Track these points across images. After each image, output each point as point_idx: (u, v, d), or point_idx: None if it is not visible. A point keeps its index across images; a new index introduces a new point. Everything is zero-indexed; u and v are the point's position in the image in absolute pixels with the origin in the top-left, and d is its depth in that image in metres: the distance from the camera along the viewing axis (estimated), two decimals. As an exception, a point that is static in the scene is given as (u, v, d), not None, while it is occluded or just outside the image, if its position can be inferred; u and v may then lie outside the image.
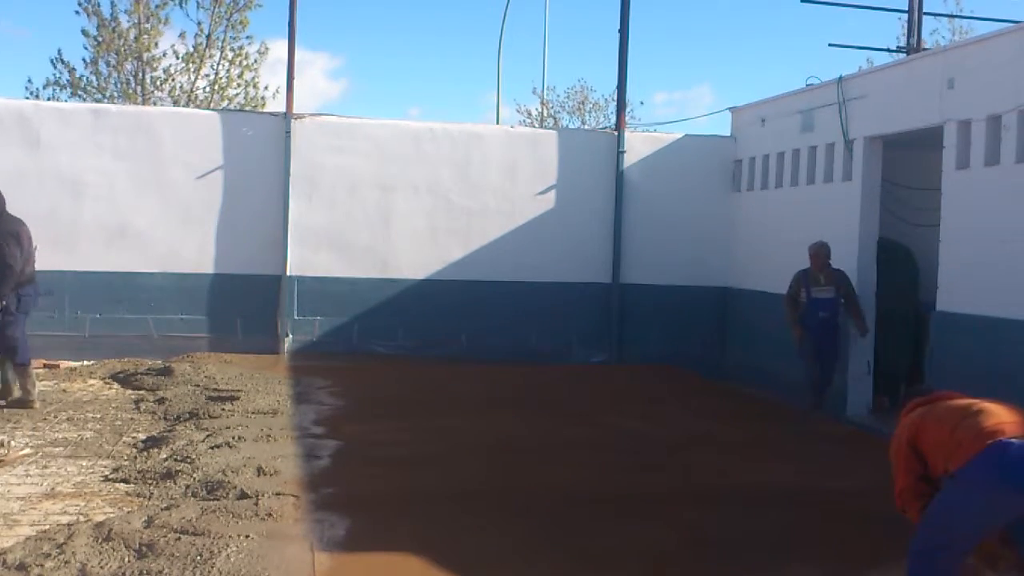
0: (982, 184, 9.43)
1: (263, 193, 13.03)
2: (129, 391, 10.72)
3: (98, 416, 9.25)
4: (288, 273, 13.06)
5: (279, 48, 31.22)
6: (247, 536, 5.59)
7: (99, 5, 21.22)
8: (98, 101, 20.90)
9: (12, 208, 12.31)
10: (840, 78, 11.59)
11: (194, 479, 6.79)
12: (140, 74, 21.70)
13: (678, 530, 6.21)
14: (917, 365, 10.90)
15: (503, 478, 7.31)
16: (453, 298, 13.35)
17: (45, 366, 11.56)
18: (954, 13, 21.05)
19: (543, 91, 29.02)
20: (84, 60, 21.67)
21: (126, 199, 12.77)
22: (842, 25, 43.83)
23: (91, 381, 11.31)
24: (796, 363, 11.35)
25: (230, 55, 22.06)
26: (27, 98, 20.48)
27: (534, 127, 24.45)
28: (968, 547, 4.52)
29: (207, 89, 22.01)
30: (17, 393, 9.56)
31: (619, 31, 14.02)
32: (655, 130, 15.34)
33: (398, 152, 13.41)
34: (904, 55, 13.41)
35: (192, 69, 21.80)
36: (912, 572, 4.59)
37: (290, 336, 13.12)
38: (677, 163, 14.00)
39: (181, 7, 21.42)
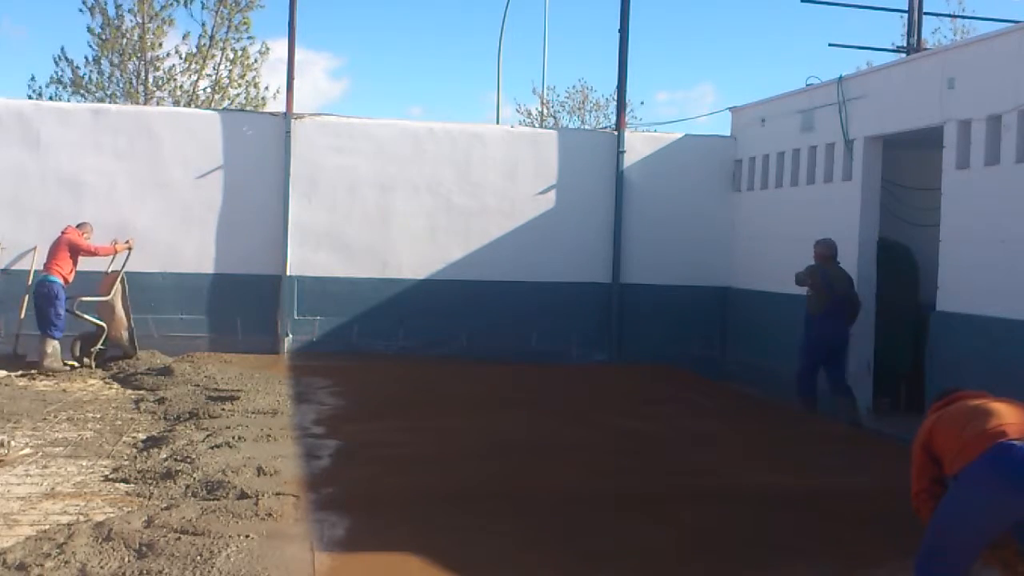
0: (982, 184, 9.43)
1: (263, 193, 13.03)
2: (129, 391, 10.72)
3: (98, 416, 9.26)
4: (288, 273, 13.07)
5: (280, 48, 31.27)
6: (247, 536, 5.59)
7: (104, 4, 21.25)
8: (100, 100, 20.91)
9: (13, 208, 12.51)
10: (840, 78, 11.59)
11: (194, 479, 6.79)
12: (143, 74, 21.71)
13: (678, 530, 6.20)
14: (917, 365, 10.89)
15: (503, 478, 7.30)
16: (453, 298, 13.34)
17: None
18: (955, 13, 21.07)
19: (543, 91, 29.04)
20: (87, 58, 21.71)
21: (126, 199, 12.77)
22: (842, 25, 43.86)
23: (91, 381, 11.32)
24: (795, 364, 11.33)
25: (232, 55, 22.09)
26: (29, 96, 20.50)
27: (534, 127, 24.45)
28: (974, 549, 4.51)
29: (208, 89, 22.04)
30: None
31: (619, 31, 14.02)
32: (655, 130, 15.34)
33: (398, 152, 13.41)
34: (904, 55, 13.41)
35: (194, 69, 21.82)
36: (920, 574, 4.59)
37: (290, 336, 13.13)
38: (677, 163, 14.00)
39: (185, 7, 21.45)
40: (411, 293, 13.37)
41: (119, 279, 12.14)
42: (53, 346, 11.62)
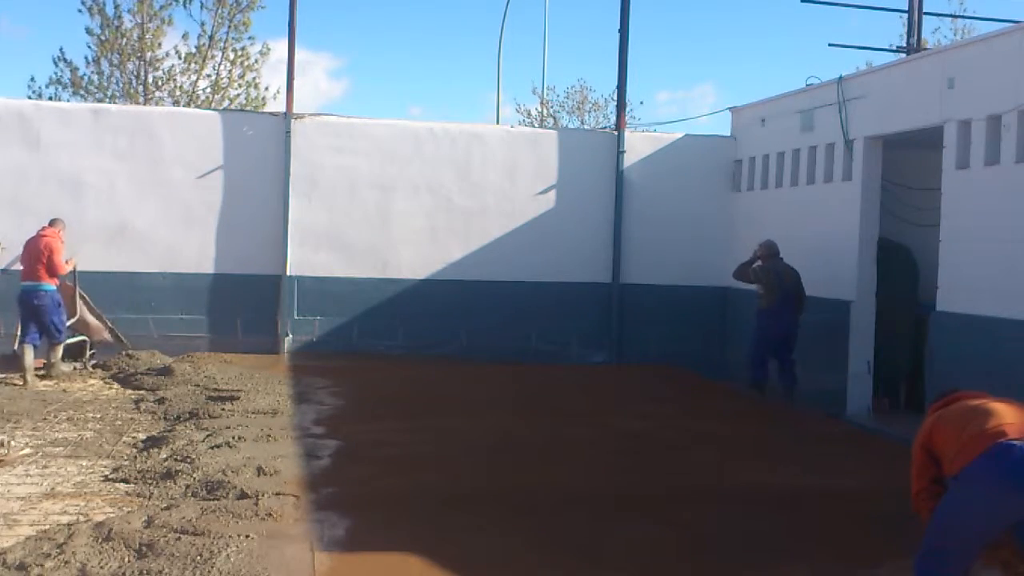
0: (982, 184, 9.43)
1: (263, 193, 13.03)
2: (129, 391, 10.72)
3: (98, 416, 9.26)
4: (288, 273, 13.07)
5: (281, 48, 31.24)
6: (247, 536, 5.60)
7: (103, 4, 21.25)
8: (100, 100, 20.90)
9: (13, 208, 12.41)
10: (840, 78, 11.59)
11: (194, 479, 6.79)
12: (142, 74, 21.71)
13: (678, 530, 6.21)
14: (917, 365, 10.90)
15: (503, 478, 7.31)
16: (453, 298, 13.34)
17: (44, 366, 11.54)
18: (955, 13, 21.09)
19: (543, 91, 29.03)
20: (86, 59, 21.71)
21: (126, 199, 12.78)
22: (842, 25, 43.87)
23: (91, 381, 11.32)
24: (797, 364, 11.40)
25: (232, 56, 22.09)
26: (29, 97, 20.49)
27: (534, 127, 24.44)
28: (973, 548, 4.51)
29: (208, 90, 22.03)
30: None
31: (619, 31, 14.02)
32: (655, 130, 15.33)
33: (398, 152, 13.41)
34: (904, 55, 13.40)
35: (194, 69, 21.83)
36: (919, 574, 4.59)
37: (290, 336, 13.13)
38: (677, 163, 14.00)
39: (185, 7, 21.45)
40: (411, 293, 13.37)
41: (77, 296, 11.99)
42: (60, 350, 11.50)
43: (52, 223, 11.68)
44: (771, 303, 11.42)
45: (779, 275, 11.43)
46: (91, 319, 12.15)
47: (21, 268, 11.53)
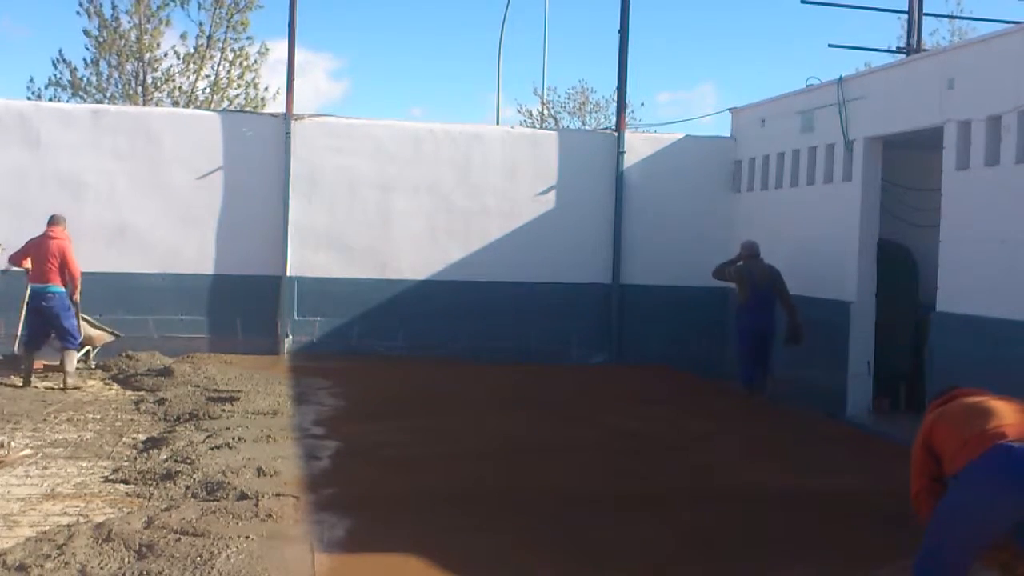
0: (982, 184, 9.43)
1: (263, 193, 13.03)
2: (129, 392, 10.73)
3: (98, 417, 9.26)
4: (288, 273, 13.07)
5: (280, 48, 31.26)
6: (247, 537, 5.60)
7: (100, 5, 21.29)
8: (99, 101, 20.92)
9: (13, 208, 12.34)
10: (840, 79, 11.59)
11: (194, 480, 6.79)
12: (141, 75, 21.73)
13: (678, 530, 6.21)
14: (917, 366, 10.90)
15: (503, 478, 7.31)
16: (453, 298, 13.34)
17: (45, 367, 11.54)
18: (954, 14, 21.11)
19: (543, 91, 29.01)
20: (85, 60, 21.75)
21: (126, 199, 12.78)
22: (842, 26, 43.87)
23: (91, 382, 11.32)
24: (796, 364, 11.40)
25: (231, 56, 22.13)
26: (29, 98, 20.51)
27: (535, 127, 24.45)
28: (973, 550, 4.50)
29: (207, 90, 22.06)
30: None
31: (619, 31, 14.03)
32: (655, 131, 15.34)
33: (398, 152, 13.41)
34: (904, 56, 13.40)
35: (192, 70, 21.86)
36: (919, 574, 4.58)
37: (290, 336, 13.13)
38: (677, 164, 14.00)
39: (182, 8, 21.49)
40: (411, 294, 13.37)
41: (79, 317, 11.63)
42: (74, 359, 11.18)
43: (55, 220, 11.31)
44: (744, 301, 11.63)
45: (752, 275, 11.55)
46: (94, 332, 12.17)
47: (30, 269, 11.26)
